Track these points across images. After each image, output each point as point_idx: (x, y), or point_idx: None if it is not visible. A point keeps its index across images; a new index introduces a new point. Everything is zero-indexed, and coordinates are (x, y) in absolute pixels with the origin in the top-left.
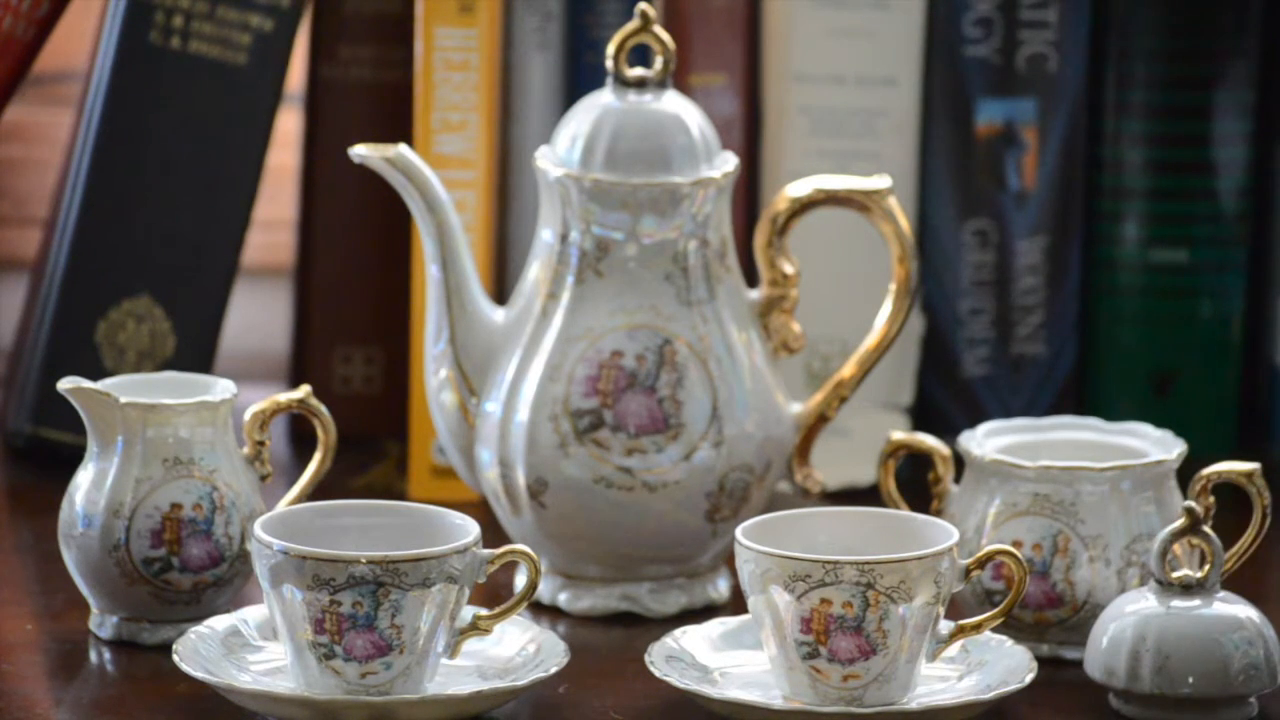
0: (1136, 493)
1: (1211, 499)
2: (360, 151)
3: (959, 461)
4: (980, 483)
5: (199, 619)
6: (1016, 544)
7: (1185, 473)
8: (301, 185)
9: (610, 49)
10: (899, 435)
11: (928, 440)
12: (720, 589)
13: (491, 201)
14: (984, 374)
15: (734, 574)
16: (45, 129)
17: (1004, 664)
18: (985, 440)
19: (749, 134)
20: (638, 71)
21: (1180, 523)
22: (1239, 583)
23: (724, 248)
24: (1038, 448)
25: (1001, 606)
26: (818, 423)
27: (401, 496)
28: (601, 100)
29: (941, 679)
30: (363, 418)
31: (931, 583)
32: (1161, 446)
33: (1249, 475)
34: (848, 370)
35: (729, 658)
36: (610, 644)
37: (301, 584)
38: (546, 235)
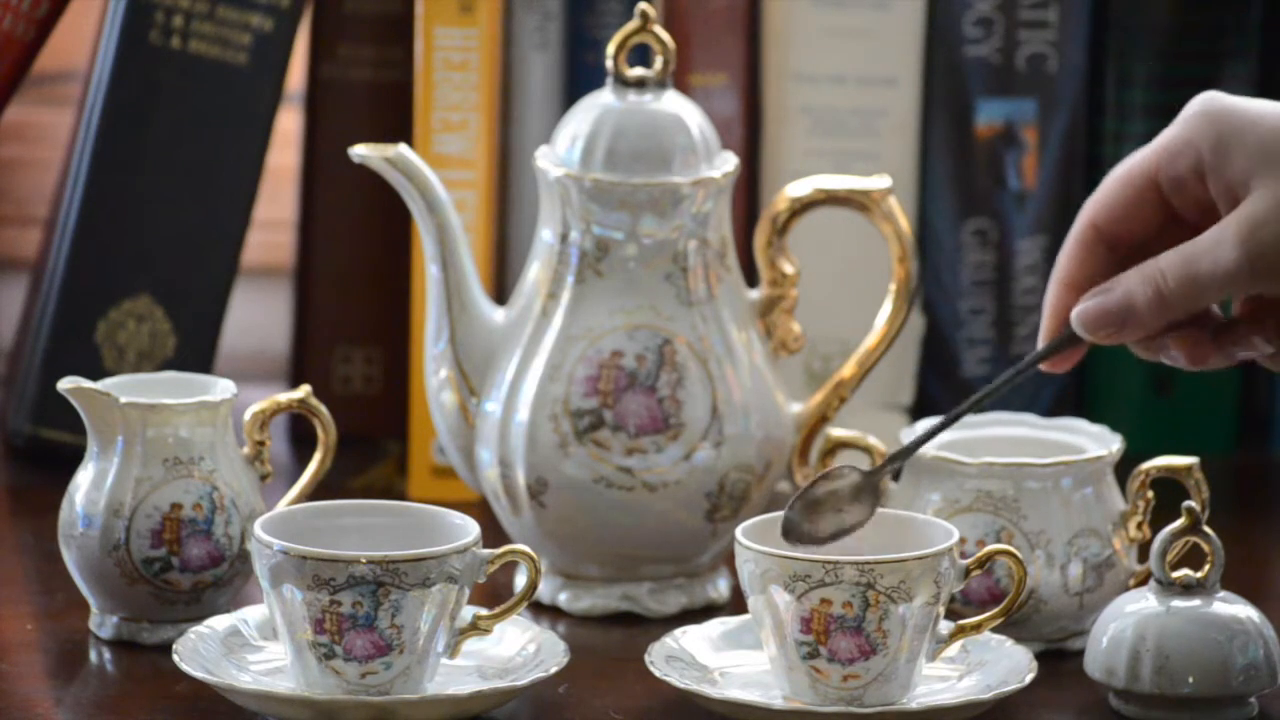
0: (1077, 488)
1: (1150, 493)
2: (360, 151)
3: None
4: (921, 480)
5: (199, 619)
6: (961, 540)
7: (1124, 468)
8: (301, 185)
9: (610, 49)
10: (837, 432)
11: (866, 438)
12: (720, 589)
13: (491, 201)
14: (984, 374)
15: (734, 574)
16: (45, 129)
17: (1004, 664)
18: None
19: (749, 134)
20: (638, 71)
21: (1180, 522)
22: (1239, 583)
23: (724, 248)
24: (975, 444)
25: (1002, 606)
26: (818, 423)
27: (401, 496)
28: (601, 100)
29: (941, 679)
30: (363, 418)
31: (931, 583)
32: (1099, 442)
33: (1188, 470)
34: (848, 370)
35: (729, 658)
36: (610, 644)
37: (301, 584)
38: (546, 235)
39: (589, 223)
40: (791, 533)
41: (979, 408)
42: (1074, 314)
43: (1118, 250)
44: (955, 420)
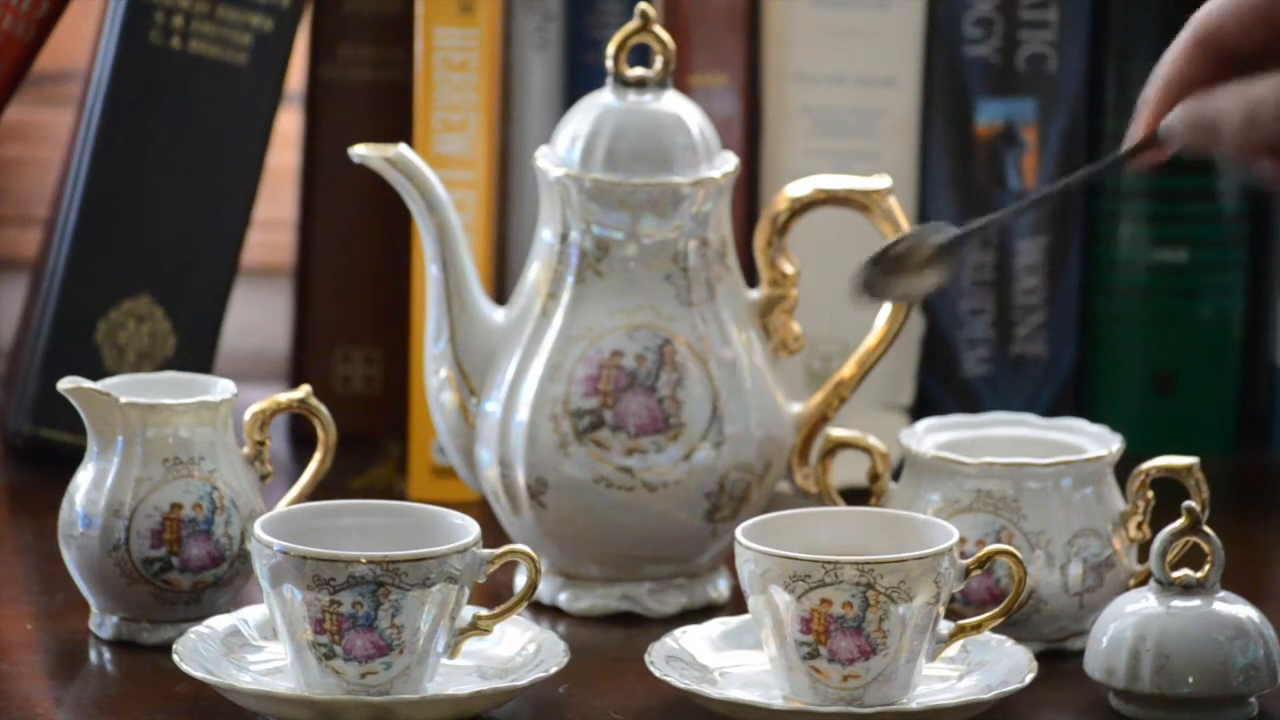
0: (1077, 488)
1: (1150, 493)
2: (360, 151)
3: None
4: (921, 480)
5: (199, 619)
6: (961, 540)
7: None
8: (301, 185)
9: (610, 49)
10: (837, 433)
11: (866, 438)
12: (720, 589)
13: (491, 201)
14: (984, 374)
15: (734, 574)
16: (45, 129)
17: (1004, 664)
18: (925, 437)
19: (749, 134)
20: (638, 71)
21: (1180, 522)
22: (1239, 583)
23: (724, 248)
24: (975, 444)
25: (1002, 606)
26: (818, 423)
27: (401, 496)
28: (601, 100)
29: (941, 679)
30: (363, 418)
31: (931, 583)
32: (1099, 442)
33: (1188, 469)
34: (848, 370)
35: (729, 658)
36: (610, 644)
37: (301, 584)
38: (546, 235)
39: (589, 223)
40: (867, 287)
41: (1056, 195)
42: (1168, 116)
43: (1222, 60)
44: (1035, 203)
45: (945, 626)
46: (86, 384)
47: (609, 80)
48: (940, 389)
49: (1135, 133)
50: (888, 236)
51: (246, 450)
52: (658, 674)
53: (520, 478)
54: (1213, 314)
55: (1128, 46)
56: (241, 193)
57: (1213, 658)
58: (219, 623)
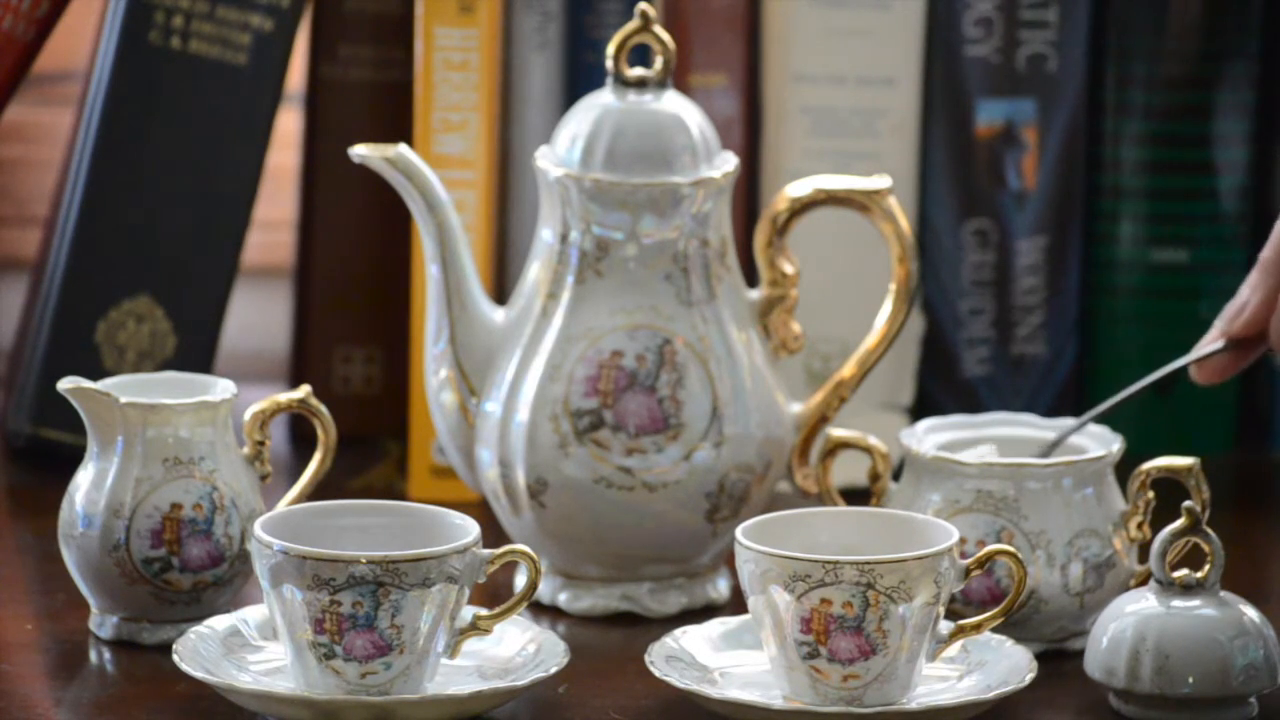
0: (1078, 488)
1: (1151, 493)
2: (360, 151)
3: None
4: (921, 480)
5: (199, 619)
6: (961, 540)
7: (1124, 469)
8: (301, 185)
9: (610, 49)
10: (837, 433)
11: (866, 438)
12: (720, 589)
13: (491, 201)
14: (984, 374)
15: (734, 574)
16: (45, 129)
17: (1004, 664)
18: (925, 437)
19: (749, 134)
20: (638, 71)
21: (1180, 522)
22: (1239, 583)
23: (724, 248)
24: (976, 444)
25: (1002, 606)
26: (818, 423)
27: (401, 496)
28: (601, 100)
29: (941, 679)
30: (363, 418)
31: (931, 583)
32: (1099, 442)
33: (1188, 470)
34: (848, 370)
35: (729, 658)
36: (610, 644)
37: (301, 584)
38: (546, 235)
39: (589, 223)
40: None
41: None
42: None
43: None
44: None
45: (945, 626)
46: (86, 384)
47: (609, 80)
48: (940, 389)
49: (1206, 344)
50: (887, 236)
51: (246, 450)
52: (658, 674)
53: (520, 478)
54: (1213, 314)
55: (1128, 46)
56: (241, 193)
57: (1213, 658)
58: (219, 623)
